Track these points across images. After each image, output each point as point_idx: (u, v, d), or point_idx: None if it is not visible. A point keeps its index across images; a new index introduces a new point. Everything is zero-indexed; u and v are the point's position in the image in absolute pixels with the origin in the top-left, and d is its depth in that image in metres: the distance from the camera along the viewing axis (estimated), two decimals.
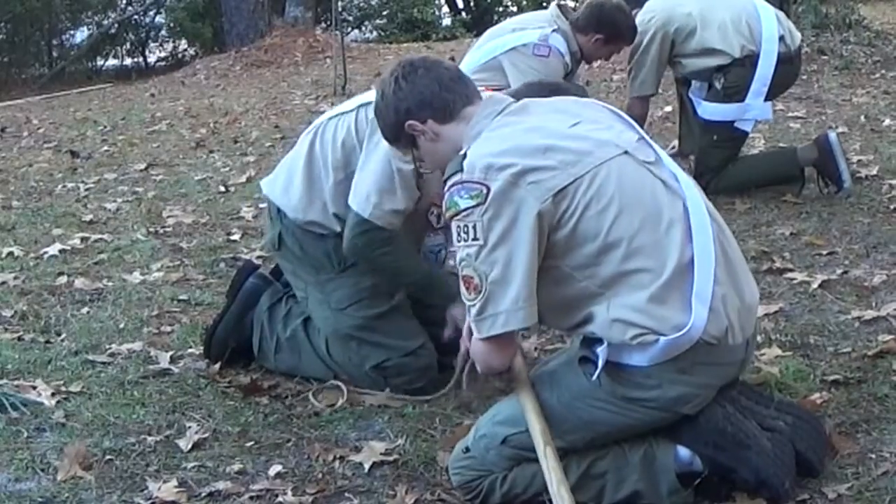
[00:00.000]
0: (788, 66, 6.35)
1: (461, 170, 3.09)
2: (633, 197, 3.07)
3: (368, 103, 3.90)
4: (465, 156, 3.13)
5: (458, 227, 3.07)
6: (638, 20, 6.30)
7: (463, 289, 3.10)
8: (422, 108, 3.31)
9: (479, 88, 3.47)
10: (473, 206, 3.03)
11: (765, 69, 6.19)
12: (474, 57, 6.09)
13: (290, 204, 4.19)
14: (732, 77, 6.23)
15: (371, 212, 3.93)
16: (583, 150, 3.10)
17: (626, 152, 3.15)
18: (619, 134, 3.22)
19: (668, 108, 8.34)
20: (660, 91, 7.61)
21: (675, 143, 7.05)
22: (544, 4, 6.03)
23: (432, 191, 3.92)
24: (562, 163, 3.06)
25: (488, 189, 3.02)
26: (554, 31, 5.93)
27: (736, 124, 6.33)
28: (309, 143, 4.19)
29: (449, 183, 3.11)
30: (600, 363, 3.05)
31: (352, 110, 4.09)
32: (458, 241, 3.09)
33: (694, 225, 3.10)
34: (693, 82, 6.50)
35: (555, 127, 3.19)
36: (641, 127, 6.33)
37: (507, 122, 3.22)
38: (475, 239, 3.04)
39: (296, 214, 4.18)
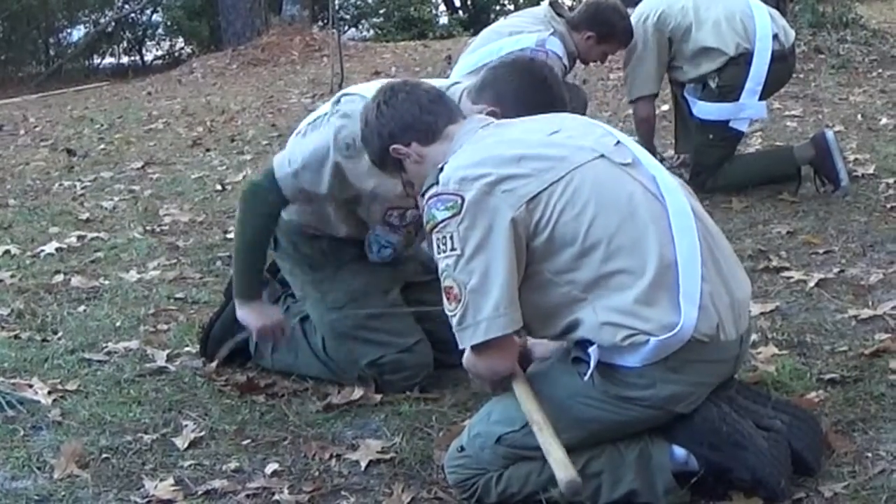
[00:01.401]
0: (782, 65, 6.35)
1: (437, 182, 3.13)
2: (609, 199, 3.08)
3: (339, 98, 3.98)
4: (441, 169, 3.16)
5: (437, 238, 3.10)
6: (633, 19, 6.30)
7: (445, 300, 3.12)
8: (405, 131, 3.37)
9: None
10: (450, 217, 3.06)
11: (759, 68, 6.20)
12: (469, 61, 6.04)
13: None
14: (727, 76, 6.23)
15: (283, 175, 3.95)
16: (557, 157, 3.13)
17: (602, 156, 3.16)
18: (597, 139, 3.23)
19: (665, 108, 8.34)
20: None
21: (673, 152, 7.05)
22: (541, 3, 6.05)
23: (391, 193, 3.90)
24: (535, 170, 3.08)
25: (463, 199, 3.05)
26: (551, 34, 5.92)
27: (731, 124, 6.33)
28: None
29: (426, 196, 3.15)
30: (592, 363, 3.06)
31: (326, 113, 4.05)
32: (439, 253, 3.11)
33: (675, 225, 3.10)
34: (688, 84, 6.50)
35: (531, 137, 3.22)
36: (651, 130, 6.45)
37: (484, 136, 3.25)
38: (453, 249, 3.07)
39: (290, 216, 4.18)
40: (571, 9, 6.26)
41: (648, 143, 6.48)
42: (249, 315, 4.15)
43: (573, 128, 3.29)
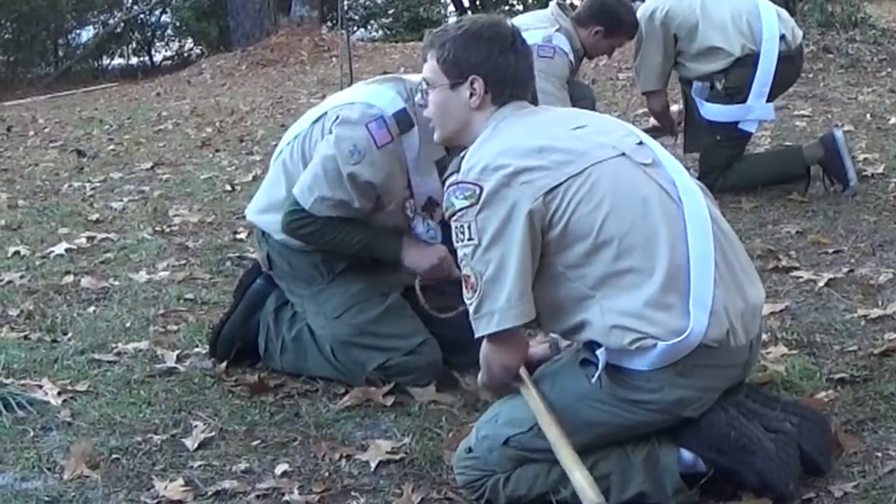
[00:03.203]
0: (789, 65, 6.35)
1: (458, 171, 3.14)
2: (625, 197, 3.08)
3: (320, 118, 4.06)
4: (463, 157, 3.17)
5: (456, 227, 3.11)
6: (639, 14, 6.32)
7: (464, 287, 3.14)
8: (503, 85, 3.30)
9: None
10: (468, 206, 3.07)
11: (766, 69, 6.20)
12: None
13: (273, 227, 4.19)
14: (733, 77, 6.23)
15: (311, 204, 3.97)
16: (578, 151, 3.12)
17: (622, 154, 3.16)
18: (619, 138, 3.23)
19: (675, 108, 8.34)
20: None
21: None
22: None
23: (396, 190, 4.01)
24: (554, 163, 3.08)
25: (481, 189, 3.05)
26: (557, 30, 5.95)
27: (740, 125, 6.33)
28: (282, 164, 4.20)
29: (447, 184, 3.16)
30: (600, 366, 3.06)
31: (306, 129, 4.13)
32: (457, 241, 3.13)
33: (691, 228, 3.09)
34: (695, 83, 6.50)
35: (555, 129, 3.22)
36: (667, 119, 6.48)
37: (509, 124, 3.24)
38: (470, 238, 3.08)
39: (279, 235, 4.18)
40: (574, 7, 6.27)
41: (670, 129, 6.63)
42: (416, 257, 4.09)
43: (598, 125, 3.30)
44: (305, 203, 3.98)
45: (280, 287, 4.42)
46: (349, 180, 3.92)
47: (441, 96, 3.39)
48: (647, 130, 6.31)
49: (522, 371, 3.28)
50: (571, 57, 6.00)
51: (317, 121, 4.09)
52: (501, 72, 3.30)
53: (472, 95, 3.31)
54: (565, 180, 3.06)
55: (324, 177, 3.95)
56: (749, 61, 6.19)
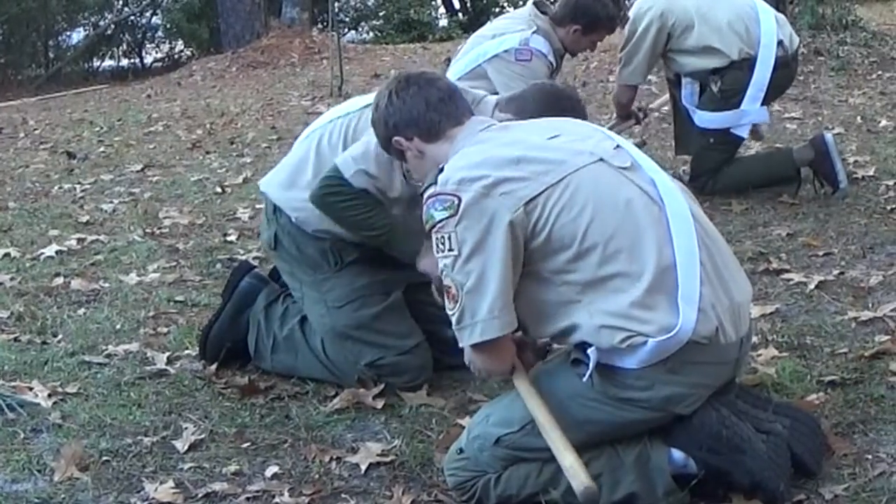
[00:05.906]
0: (785, 70, 6.35)
1: (436, 183, 3.17)
2: (607, 202, 3.10)
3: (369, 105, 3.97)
4: (441, 170, 3.20)
5: (436, 238, 3.13)
6: (634, 9, 6.32)
7: (445, 298, 3.17)
8: (408, 126, 3.43)
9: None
10: (447, 218, 3.09)
11: (762, 74, 6.19)
12: (458, 66, 6.10)
13: (293, 205, 4.20)
14: (729, 80, 6.22)
15: (353, 174, 3.95)
16: (556, 160, 3.15)
17: (601, 159, 3.18)
18: (596, 143, 3.25)
19: (665, 108, 8.34)
20: (656, 92, 7.61)
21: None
22: None
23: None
24: (533, 173, 3.10)
25: (460, 200, 3.08)
26: (534, 32, 5.93)
27: (732, 129, 6.33)
28: (316, 144, 4.19)
29: (426, 196, 3.18)
30: (591, 364, 3.07)
31: (356, 111, 4.12)
32: (438, 252, 3.15)
33: (674, 228, 3.11)
34: (684, 86, 6.46)
35: (531, 140, 3.25)
36: (626, 113, 6.47)
37: (486, 139, 3.29)
38: (451, 249, 3.10)
39: (297, 214, 4.18)
40: (554, 2, 6.26)
41: (622, 119, 6.66)
42: (431, 264, 3.86)
43: (573, 132, 3.31)
44: (347, 171, 3.95)
45: (270, 285, 4.43)
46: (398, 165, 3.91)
47: (408, 164, 3.56)
48: (611, 127, 6.36)
49: (517, 362, 3.29)
50: (551, 58, 5.98)
51: (367, 106, 3.98)
52: (403, 119, 3.44)
53: (409, 151, 3.46)
54: (544, 190, 3.08)
55: (374, 157, 3.92)
56: (746, 65, 6.18)
